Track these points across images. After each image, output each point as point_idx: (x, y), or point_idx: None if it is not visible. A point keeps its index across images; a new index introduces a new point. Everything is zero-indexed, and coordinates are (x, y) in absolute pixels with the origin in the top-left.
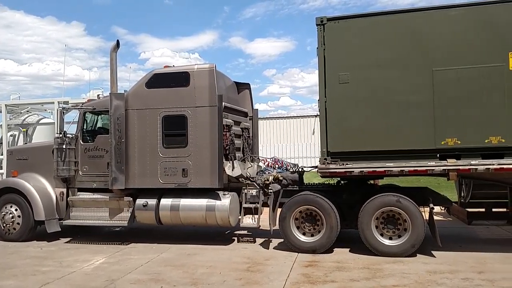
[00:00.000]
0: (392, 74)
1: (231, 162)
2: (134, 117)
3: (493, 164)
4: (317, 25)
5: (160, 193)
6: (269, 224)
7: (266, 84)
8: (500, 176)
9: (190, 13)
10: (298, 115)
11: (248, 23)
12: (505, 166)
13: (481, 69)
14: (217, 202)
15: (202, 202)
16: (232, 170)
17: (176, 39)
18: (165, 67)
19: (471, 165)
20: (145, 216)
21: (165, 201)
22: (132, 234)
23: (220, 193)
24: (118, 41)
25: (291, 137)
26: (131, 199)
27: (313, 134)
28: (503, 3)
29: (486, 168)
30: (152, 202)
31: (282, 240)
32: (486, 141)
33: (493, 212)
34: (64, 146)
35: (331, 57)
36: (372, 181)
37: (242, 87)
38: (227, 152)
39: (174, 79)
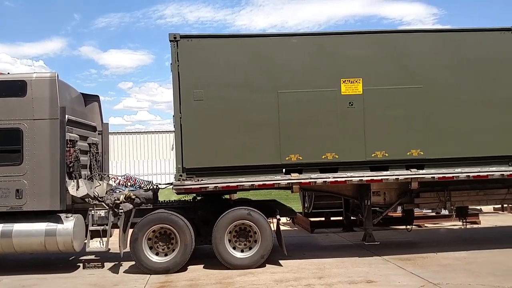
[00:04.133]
0: (243, 94)
1: (75, 181)
2: None
3: (329, 178)
4: (170, 41)
5: None
6: (119, 246)
7: (122, 97)
8: (336, 188)
9: (34, 17)
10: (157, 130)
11: (101, 32)
12: (339, 179)
13: (318, 93)
14: (59, 226)
15: (41, 226)
16: (77, 189)
17: (17, 44)
18: None
19: (311, 178)
20: None
21: None
22: None
23: (63, 215)
24: None
25: (150, 153)
26: None
27: (172, 150)
28: (335, 35)
29: (323, 181)
30: None
31: (133, 262)
32: (323, 157)
33: (331, 220)
34: None
35: (185, 74)
36: (228, 196)
37: (90, 99)
38: (70, 170)
39: (8, 88)
